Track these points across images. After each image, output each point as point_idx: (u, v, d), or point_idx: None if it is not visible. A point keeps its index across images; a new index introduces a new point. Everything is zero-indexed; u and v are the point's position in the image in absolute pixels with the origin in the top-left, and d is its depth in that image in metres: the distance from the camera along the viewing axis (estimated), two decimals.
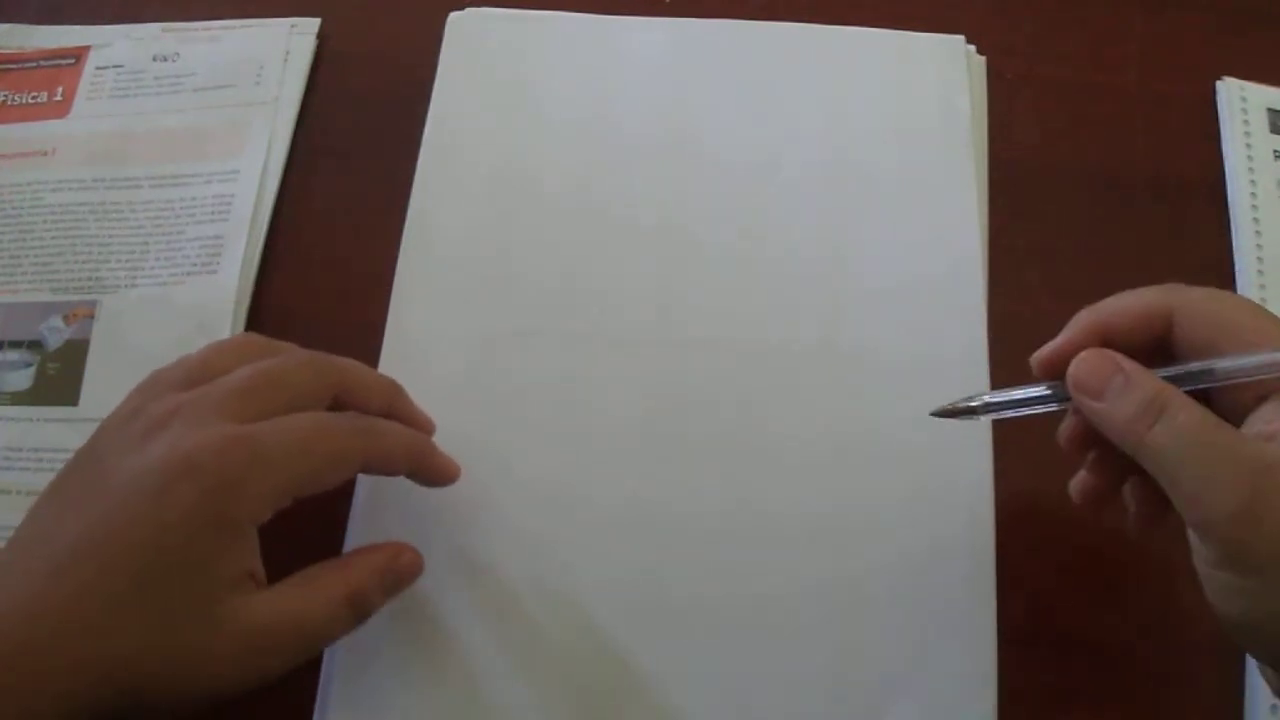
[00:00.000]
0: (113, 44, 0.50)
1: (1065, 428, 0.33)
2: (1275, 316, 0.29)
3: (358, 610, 0.33)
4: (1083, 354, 0.30)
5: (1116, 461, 0.31)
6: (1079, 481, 0.34)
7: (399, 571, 0.34)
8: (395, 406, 0.37)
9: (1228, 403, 0.29)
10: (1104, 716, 0.37)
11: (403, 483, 0.39)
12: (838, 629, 0.37)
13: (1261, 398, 0.29)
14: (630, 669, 0.36)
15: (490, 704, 0.36)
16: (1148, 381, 0.28)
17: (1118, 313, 0.31)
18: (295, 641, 0.31)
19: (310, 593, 0.32)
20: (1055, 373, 0.31)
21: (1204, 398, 0.29)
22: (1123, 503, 0.34)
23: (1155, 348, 0.30)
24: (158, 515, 0.29)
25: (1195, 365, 0.29)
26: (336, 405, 0.35)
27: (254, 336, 0.37)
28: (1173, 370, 0.29)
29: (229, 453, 0.30)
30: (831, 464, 0.39)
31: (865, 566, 0.38)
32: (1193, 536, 0.28)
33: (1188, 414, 0.28)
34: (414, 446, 0.36)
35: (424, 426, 0.37)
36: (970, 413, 0.34)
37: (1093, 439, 0.31)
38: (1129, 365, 0.29)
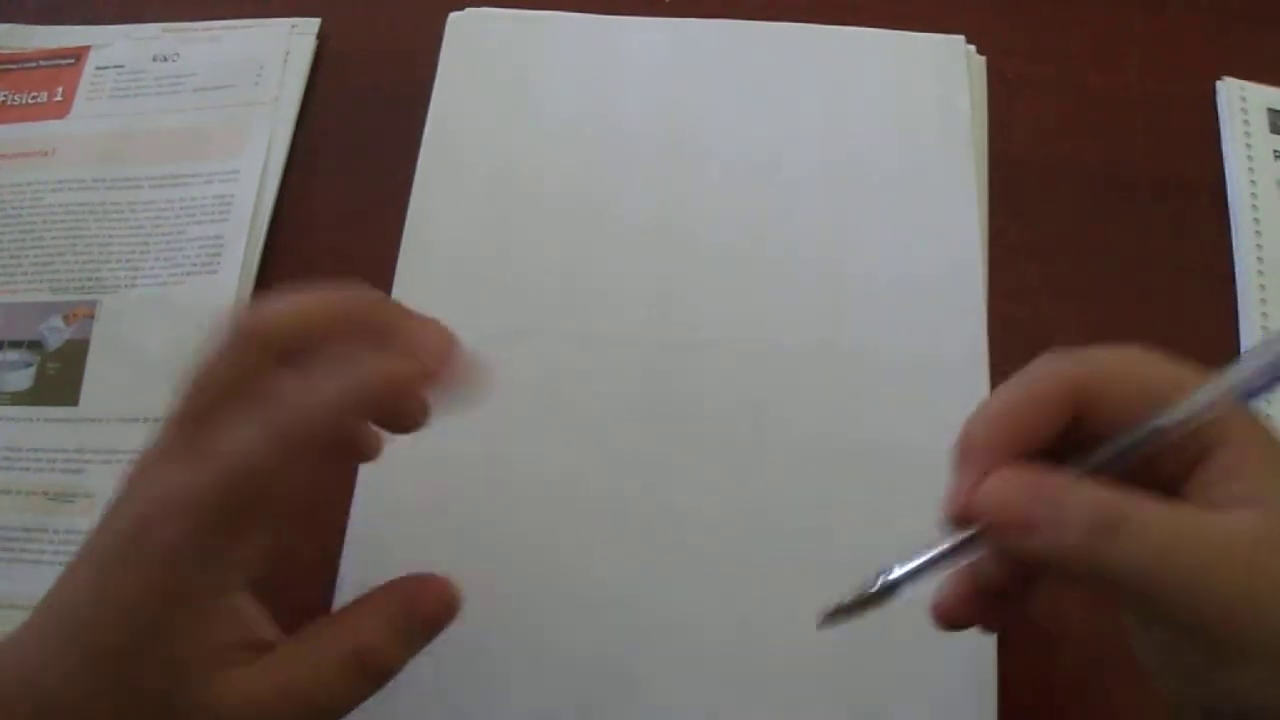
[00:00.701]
0: (113, 44, 0.50)
1: (949, 595, 0.28)
2: (1192, 368, 0.25)
3: (371, 673, 0.27)
4: (988, 485, 0.24)
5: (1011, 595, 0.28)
6: (941, 608, 0.29)
7: (422, 617, 0.29)
8: (367, 331, 0.29)
9: (1155, 476, 0.25)
10: (1103, 716, 0.37)
11: (401, 482, 0.39)
12: (837, 630, 0.37)
13: (1194, 462, 0.25)
14: (630, 668, 0.36)
15: (490, 704, 0.36)
16: (1086, 493, 0.24)
17: (1012, 417, 0.25)
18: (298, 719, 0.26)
19: (309, 657, 0.27)
20: (973, 517, 0.25)
21: (1126, 478, 0.24)
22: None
23: (1067, 437, 0.25)
24: (110, 592, 0.25)
25: (1140, 430, 0.24)
26: (296, 357, 0.28)
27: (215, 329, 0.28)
28: (1114, 447, 0.25)
29: (167, 517, 0.25)
30: (831, 464, 0.39)
31: (865, 566, 0.37)
32: (1157, 665, 0.25)
33: (1153, 515, 0.23)
34: (367, 391, 0.28)
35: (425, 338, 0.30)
36: (870, 602, 0.28)
37: (987, 592, 0.27)
38: (1055, 479, 0.24)
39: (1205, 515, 0.24)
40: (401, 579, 0.29)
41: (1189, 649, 0.24)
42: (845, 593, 0.28)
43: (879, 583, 0.27)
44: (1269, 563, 0.23)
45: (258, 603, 0.28)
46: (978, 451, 0.26)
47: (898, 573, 0.27)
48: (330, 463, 0.29)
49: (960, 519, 0.26)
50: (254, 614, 0.27)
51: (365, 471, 0.39)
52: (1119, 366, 0.25)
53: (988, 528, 0.25)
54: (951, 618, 0.29)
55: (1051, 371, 0.26)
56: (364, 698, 0.27)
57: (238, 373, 0.27)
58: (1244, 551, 0.23)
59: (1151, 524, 0.23)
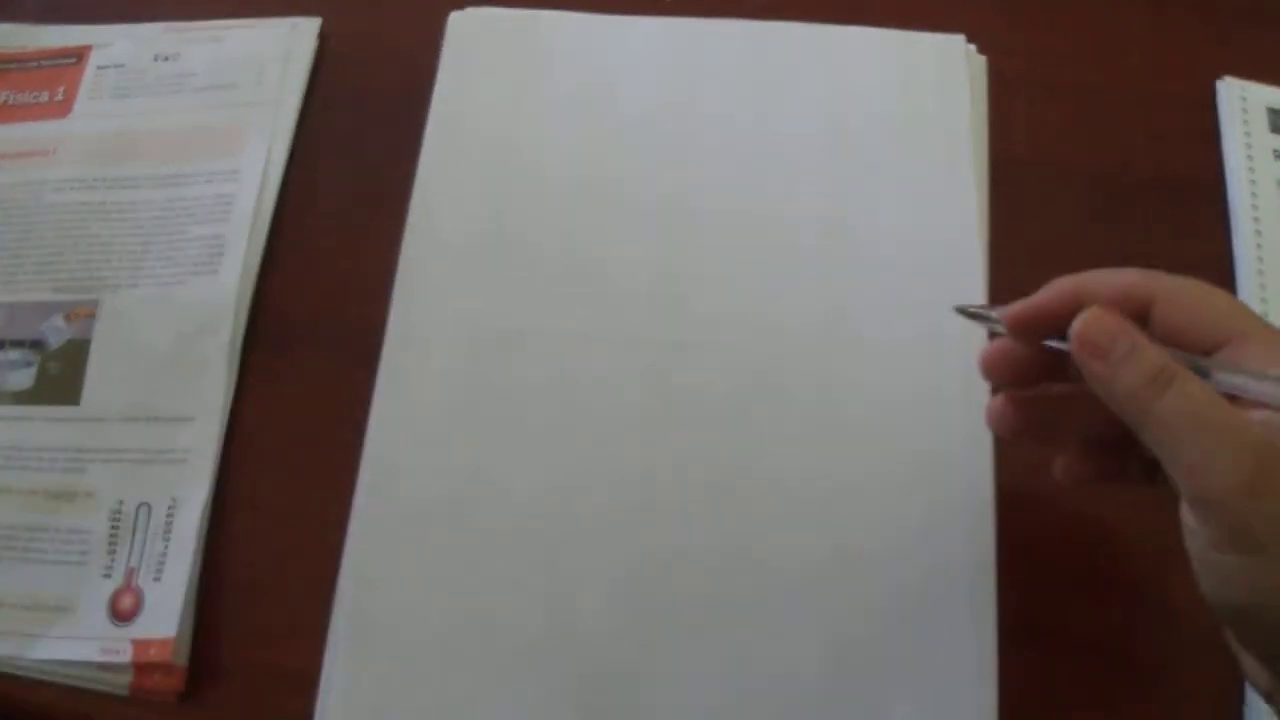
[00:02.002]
0: (114, 44, 0.50)
1: (996, 349, 0.32)
2: (1256, 315, 0.29)
3: None
4: (1092, 311, 0.29)
5: (1045, 413, 0.32)
6: (994, 412, 0.34)
7: None
8: None
9: None
10: (1104, 716, 0.37)
11: (402, 482, 0.39)
12: (837, 628, 0.37)
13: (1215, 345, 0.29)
14: (629, 668, 0.36)
15: (490, 705, 0.36)
16: (1156, 351, 0.27)
17: (1098, 286, 0.30)
18: None
19: None
20: (1025, 330, 0.31)
21: None
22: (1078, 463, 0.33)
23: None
24: None
25: (1194, 359, 0.28)
26: None
27: None
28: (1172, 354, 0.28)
29: None
30: (831, 464, 0.39)
31: (865, 566, 0.38)
32: (1187, 518, 0.27)
33: (1195, 387, 0.27)
34: None
35: None
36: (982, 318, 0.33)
37: (1017, 372, 0.32)
38: (1137, 332, 0.28)
39: (1241, 413, 0.27)
40: None
41: (1206, 531, 0.26)
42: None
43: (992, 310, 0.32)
44: (1271, 461, 0.25)
45: None
46: (1060, 289, 0.30)
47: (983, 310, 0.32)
48: None
49: (1023, 327, 0.31)
50: None
51: (365, 471, 0.39)
52: (1193, 295, 0.29)
53: (1076, 339, 0.29)
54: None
55: (1135, 275, 0.30)
56: None
57: None
58: (1258, 451, 0.25)
59: (1198, 395, 0.26)
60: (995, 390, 0.34)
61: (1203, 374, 0.28)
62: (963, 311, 0.33)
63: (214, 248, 0.44)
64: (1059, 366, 0.31)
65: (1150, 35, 0.48)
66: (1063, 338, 0.29)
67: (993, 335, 0.33)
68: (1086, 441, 0.33)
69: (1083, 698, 0.37)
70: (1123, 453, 0.32)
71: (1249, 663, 0.30)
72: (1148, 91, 0.47)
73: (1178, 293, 0.29)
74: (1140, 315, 0.29)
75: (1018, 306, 0.31)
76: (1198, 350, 0.28)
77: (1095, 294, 0.30)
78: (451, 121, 0.46)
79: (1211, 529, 0.26)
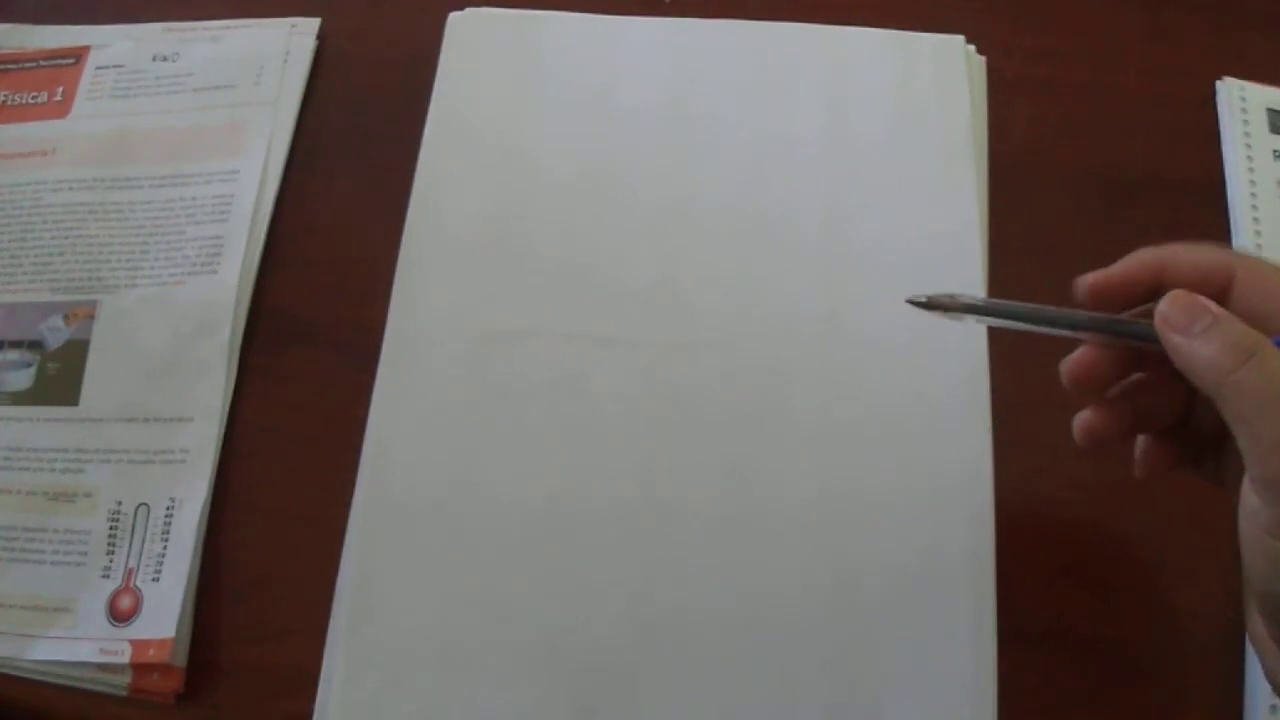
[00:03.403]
0: (113, 44, 0.50)
1: (1079, 359, 0.31)
2: None
3: None
4: (1174, 292, 0.28)
5: (1131, 408, 0.31)
6: (1085, 423, 0.32)
7: None
8: None
9: None
10: (1103, 716, 0.37)
11: (401, 481, 0.39)
12: (837, 628, 0.37)
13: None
14: (629, 669, 0.36)
15: (490, 704, 0.36)
16: (1238, 323, 0.27)
17: (1180, 260, 0.29)
18: None
19: None
20: (1104, 299, 0.30)
21: None
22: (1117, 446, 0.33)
23: None
24: None
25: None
26: None
27: None
28: None
29: None
30: (831, 465, 0.39)
31: (865, 566, 0.38)
32: (1250, 497, 0.26)
33: (1277, 362, 0.26)
34: None
35: None
36: (955, 309, 0.31)
37: (1103, 376, 0.31)
38: (1217, 308, 0.28)
39: None
40: None
41: (1270, 514, 0.26)
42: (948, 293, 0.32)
43: (966, 300, 0.31)
44: None
45: None
46: (1141, 261, 0.30)
47: (984, 303, 0.32)
48: None
49: (1100, 295, 0.30)
50: None
51: (365, 471, 0.39)
52: (1277, 277, 0.29)
53: (1159, 315, 0.28)
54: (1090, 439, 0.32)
55: (1217, 253, 0.30)
56: None
57: None
58: None
59: (1277, 370, 0.26)
60: (1079, 399, 0.32)
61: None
62: (917, 303, 0.32)
63: (213, 248, 0.44)
64: (1133, 364, 0.31)
65: (1150, 35, 0.48)
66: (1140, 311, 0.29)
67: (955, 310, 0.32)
68: (1162, 431, 0.32)
69: (1082, 698, 0.37)
70: (1188, 441, 0.32)
71: (1273, 657, 0.29)
72: (1148, 91, 0.47)
73: (1257, 273, 0.29)
74: (1220, 294, 0.29)
75: (1098, 276, 0.30)
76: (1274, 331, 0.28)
77: (1176, 267, 0.29)
78: (451, 121, 0.46)
79: (1276, 511, 0.26)
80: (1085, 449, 0.32)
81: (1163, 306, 0.28)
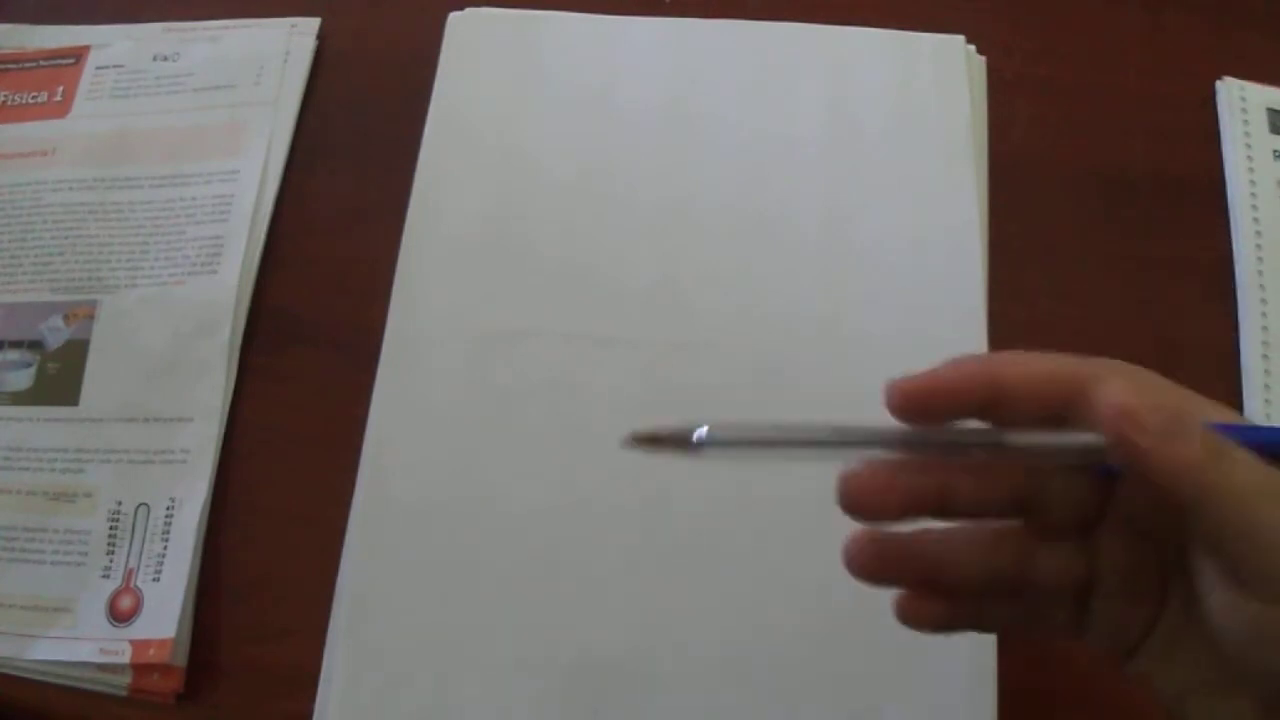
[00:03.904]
0: (113, 44, 0.50)
1: (876, 476, 0.26)
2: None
3: None
4: (1113, 386, 0.24)
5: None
6: (917, 609, 0.28)
7: None
8: None
9: None
10: (1103, 717, 0.37)
11: (401, 482, 0.39)
12: (839, 630, 0.37)
13: None
14: (630, 669, 0.36)
15: (490, 704, 0.36)
16: (1204, 427, 0.24)
17: (1017, 370, 0.25)
18: None
19: None
20: (920, 411, 0.25)
21: None
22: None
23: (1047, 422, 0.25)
24: None
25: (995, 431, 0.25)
26: None
27: None
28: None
29: None
30: (831, 465, 0.39)
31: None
32: (1241, 613, 0.24)
33: (1249, 456, 0.24)
34: None
35: None
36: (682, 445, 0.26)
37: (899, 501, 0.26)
38: (1174, 402, 0.25)
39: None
40: None
41: (1254, 608, 0.24)
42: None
43: (701, 434, 0.25)
44: None
45: None
46: (969, 369, 0.26)
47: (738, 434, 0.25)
48: None
49: (917, 401, 0.25)
50: None
51: (365, 471, 0.39)
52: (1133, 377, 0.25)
53: (1117, 413, 0.24)
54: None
55: (1062, 362, 0.25)
56: None
57: None
58: None
59: (1258, 465, 0.24)
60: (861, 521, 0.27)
61: (998, 445, 0.25)
62: (640, 440, 0.26)
63: (213, 248, 0.44)
64: (938, 499, 0.26)
65: (1149, 35, 0.48)
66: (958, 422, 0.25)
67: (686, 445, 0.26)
68: (945, 585, 0.28)
69: (1081, 697, 0.37)
70: (985, 597, 0.28)
71: None
72: (1148, 91, 0.47)
73: (1125, 380, 0.25)
74: (1069, 409, 0.25)
75: (916, 380, 0.25)
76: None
77: (1013, 378, 0.25)
78: (451, 121, 0.46)
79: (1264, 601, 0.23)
80: (858, 577, 0.28)
81: (1119, 398, 0.24)
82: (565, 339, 0.41)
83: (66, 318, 0.43)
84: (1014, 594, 0.27)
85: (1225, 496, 0.23)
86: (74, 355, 0.43)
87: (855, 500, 0.26)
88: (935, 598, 0.28)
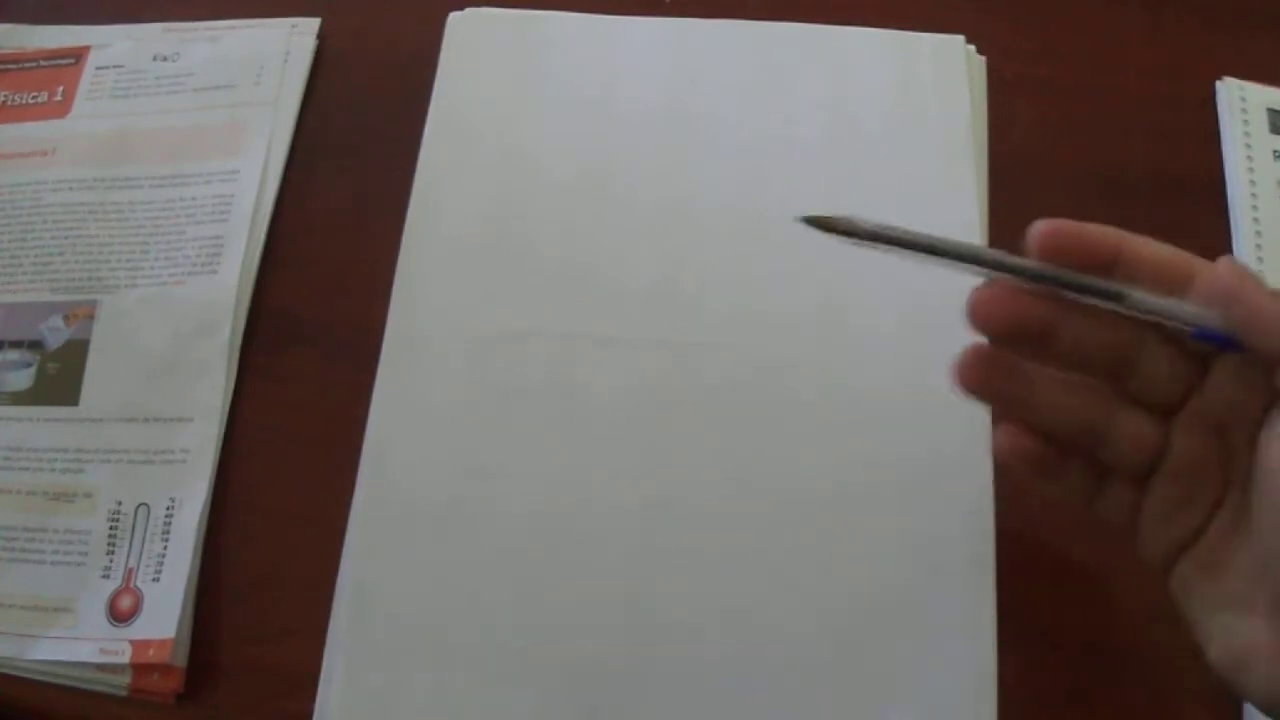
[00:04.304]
0: (113, 44, 0.50)
1: (999, 295, 0.29)
2: None
3: None
4: (1227, 259, 0.27)
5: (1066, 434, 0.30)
6: (1014, 442, 0.30)
7: None
8: None
9: None
10: (1103, 716, 0.37)
11: (402, 481, 0.39)
12: (838, 629, 0.37)
13: None
14: (629, 668, 0.36)
15: (490, 704, 0.36)
16: None
17: (1141, 248, 0.28)
18: None
19: None
20: (1056, 252, 0.28)
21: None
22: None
23: None
24: None
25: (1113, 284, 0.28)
26: None
27: None
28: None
29: None
30: (831, 464, 0.39)
31: (865, 566, 0.38)
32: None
33: None
34: None
35: None
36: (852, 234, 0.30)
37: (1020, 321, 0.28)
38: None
39: None
40: None
41: None
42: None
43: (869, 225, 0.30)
44: None
45: None
46: (1105, 232, 0.29)
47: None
48: None
49: (1060, 242, 0.28)
50: None
51: (365, 471, 0.39)
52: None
53: (1224, 280, 0.26)
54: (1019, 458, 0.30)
55: (1180, 254, 0.28)
56: None
57: None
58: None
59: None
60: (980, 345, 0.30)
61: (1119, 297, 0.27)
62: (813, 222, 0.31)
63: (213, 248, 0.44)
64: (1045, 331, 0.29)
65: (1149, 35, 0.48)
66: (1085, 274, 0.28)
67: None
68: (1037, 423, 0.30)
69: (1081, 698, 0.37)
70: (1070, 458, 0.30)
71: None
72: (1148, 91, 0.47)
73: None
74: (1181, 284, 0.27)
75: (1062, 222, 0.29)
76: None
77: (1137, 253, 0.28)
78: (451, 121, 0.46)
79: None
80: (959, 383, 0.30)
81: (1227, 268, 0.26)
82: (565, 339, 0.41)
83: (66, 318, 0.43)
84: (1090, 451, 0.29)
85: None
86: (74, 355, 0.43)
87: (978, 308, 0.29)
88: (1031, 434, 0.30)
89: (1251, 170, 0.44)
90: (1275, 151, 0.45)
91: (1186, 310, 0.27)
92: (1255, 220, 0.43)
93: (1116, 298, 0.28)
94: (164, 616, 0.38)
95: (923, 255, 0.30)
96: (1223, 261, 0.27)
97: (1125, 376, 0.29)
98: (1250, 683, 0.27)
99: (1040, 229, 0.28)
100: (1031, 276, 0.28)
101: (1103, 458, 0.30)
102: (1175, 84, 0.47)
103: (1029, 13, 0.49)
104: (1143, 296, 0.27)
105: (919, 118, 0.45)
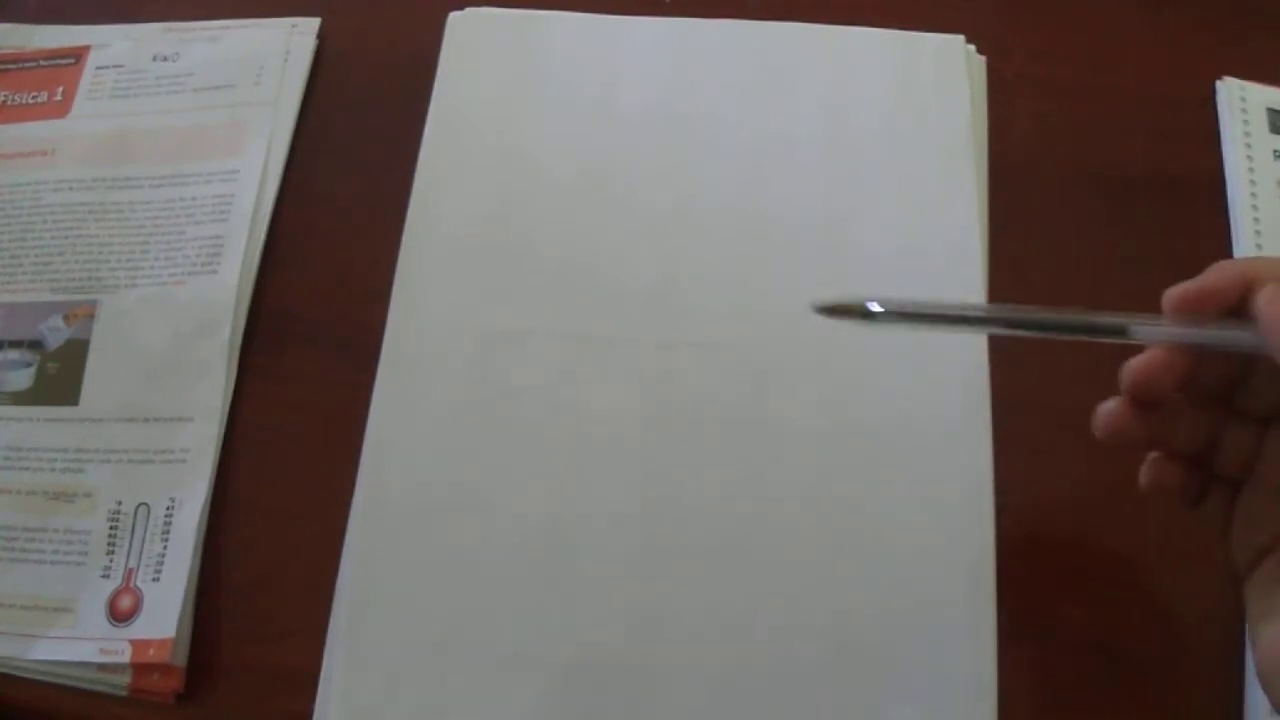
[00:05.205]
0: (113, 44, 0.50)
1: (1152, 363, 0.30)
2: None
3: None
4: (1269, 290, 0.27)
5: (1161, 420, 0.31)
6: (1114, 418, 0.31)
7: None
8: None
9: None
10: (1103, 716, 0.37)
11: (401, 482, 0.39)
12: (837, 630, 0.37)
13: None
14: (629, 668, 0.36)
15: (490, 704, 0.36)
16: None
17: (1266, 272, 0.28)
18: None
19: None
20: (1190, 309, 0.29)
21: None
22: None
23: None
24: None
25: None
26: None
27: None
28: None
29: None
30: (831, 465, 0.39)
31: (865, 566, 0.38)
32: None
33: None
34: None
35: None
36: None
37: (1163, 384, 0.29)
38: None
39: None
40: None
41: None
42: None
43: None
44: None
45: None
46: (1226, 273, 0.29)
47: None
48: None
49: (1188, 305, 0.29)
50: None
51: (365, 470, 0.39)
52: None
53: (1266, 320, 0.27)
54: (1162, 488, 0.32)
55: None
56: None
57: None
58: None
59: None
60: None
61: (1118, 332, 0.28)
62: (827, 310, 0.31)
63: (213, 248, 0.44)
64: (1190, 379, 0.30)
65: (1149, 35, 0.48)
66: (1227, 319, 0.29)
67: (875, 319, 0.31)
68: (1176, 455, 0.32)
69: (1082, 698, 0.37)
70: (1203, 473, 0.32)
71: None
72: (1148, 91, 0.47)
73: None
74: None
75: (1185, 287, 0.29)
76: None
77: (1263, 279, 0.28)
78: (451, 121, 0.46)
79: None
80: (1102, 440, 0.31)
81: (1272, 293, 0.27)
82: (565, 339, 0.41)
83: (66, 318, 0.43)
84: (1200, 463, 0.31)
85: None
86: (74, 355, 0.43)
87: (1138, 380, 0.30)
88: (1174, 463, 0.31)
89: (1251, 170, 0.44)
90: (1275, 151, 0.45)
91: (1212, 334, 0.29)
92: (1255, 220, 0.43)
93: (1119, 332, 0.29)
94: (164, 616, 0.38)
95: (947, 326, 0.31)
96: (1268, 291, 0.28)
97: (1234, 393, 0.31)
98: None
99: (1172, 296, 0.29)
100: (1045, 327, 0.30)
101: (1209, 466, 0.31)
102: (1175, 84, 0.47)
103: (1029, 13, 0.49)
104: (1147, 329, 0.29)
105: (919, 118, 0.45)
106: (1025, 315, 0.31)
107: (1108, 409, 0.31)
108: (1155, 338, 0.29)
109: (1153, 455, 0.32)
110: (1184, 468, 0.32)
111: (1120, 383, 0.30)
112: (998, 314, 0.31)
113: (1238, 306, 0.29)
